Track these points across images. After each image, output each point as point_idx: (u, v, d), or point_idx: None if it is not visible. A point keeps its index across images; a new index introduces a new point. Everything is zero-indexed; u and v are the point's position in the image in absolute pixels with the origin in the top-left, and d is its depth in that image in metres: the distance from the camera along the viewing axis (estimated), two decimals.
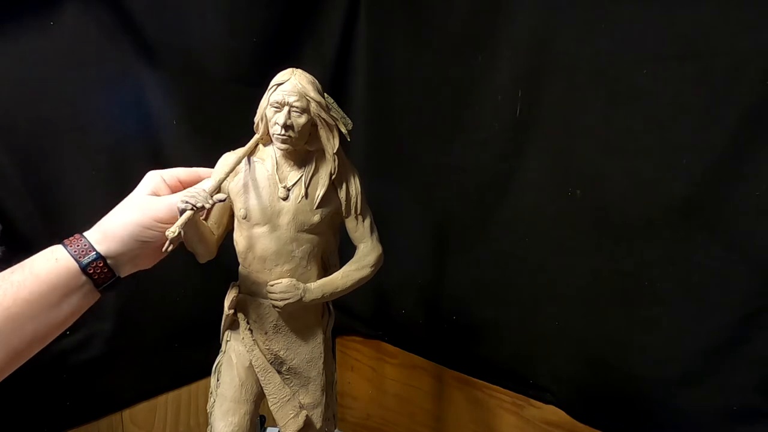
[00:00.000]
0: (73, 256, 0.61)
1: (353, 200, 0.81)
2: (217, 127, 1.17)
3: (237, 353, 0.83)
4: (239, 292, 0.82)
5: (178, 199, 0.64)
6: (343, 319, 1.51)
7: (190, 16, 1.17)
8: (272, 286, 0.76)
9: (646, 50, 0.94)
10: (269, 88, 0.73)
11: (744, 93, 0.86)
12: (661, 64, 0.93)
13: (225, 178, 0.72)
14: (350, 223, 0.82)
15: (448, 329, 1.34)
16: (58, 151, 1.05)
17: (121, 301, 1.16)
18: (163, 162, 1.19)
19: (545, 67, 1.06)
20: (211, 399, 0.85)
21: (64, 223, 1.04)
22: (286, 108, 0.71)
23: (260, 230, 0.76)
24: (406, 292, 1.42)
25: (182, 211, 0.64)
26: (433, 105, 1.27)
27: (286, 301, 0.76)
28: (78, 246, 0.62)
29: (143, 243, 0.65)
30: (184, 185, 0.74)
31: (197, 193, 0.64)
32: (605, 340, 1.07)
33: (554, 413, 1.19)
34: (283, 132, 0.71)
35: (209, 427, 0.85)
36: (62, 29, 1.01)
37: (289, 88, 0.71)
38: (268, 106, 0.72)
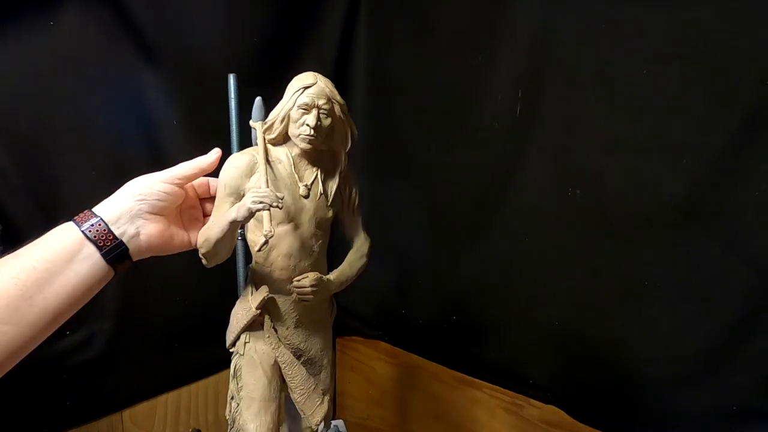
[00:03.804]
0: (75, 223, 0.62)
1: (354, 197, 0.84)
2: (217, 127, 1.17)
3: (260, 353, 0.83)
4: (268, 293, 0.82)
5: (248, 201, 0.67)
6: (343, 319, 1.51)
7: (190, 16, 1.17)
8: (299, 281, 0.78)
9: (646, 50, 0.94)
10: (295, 90, 0.74)
11: (744, 93, 0.86)
12: (661, 64, 0.93)
13: (271, 179, 0.74)
14: (347, 218, 0.85)
15: (448, 329, 1.34)
16: (58, 151, 1.05)
17: (121, 301, 1.16)
18: (163, 162, 1.18)
19: (545, 67, 1.06)
20: (233, 404, 0.84)
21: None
22: (315, 110, 0.73)
23: (284, 228, 0.78)
24: (406, 292, 1.42)
25: (252, 212, 0.67)
26: (433, 105, 1.27)
27: (317, 294, 0.79)
28: (83, 216, 0.63)
29: (142, 201, 0.66)
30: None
31: (266, 194, 0.67)
32: (605, 339, 1.07)
33: (554, 413, 1.19)
34: (312, 133, 0.73)
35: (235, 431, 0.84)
36: (62, 29, 1.01)
37: (318, 92, 0.74)
38: (295, 108, 0.74)
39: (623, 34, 0.96)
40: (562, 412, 1.17)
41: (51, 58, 1.01)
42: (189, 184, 0.76)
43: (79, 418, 1.17)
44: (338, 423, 0.90)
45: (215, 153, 0.74)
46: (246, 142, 1.02)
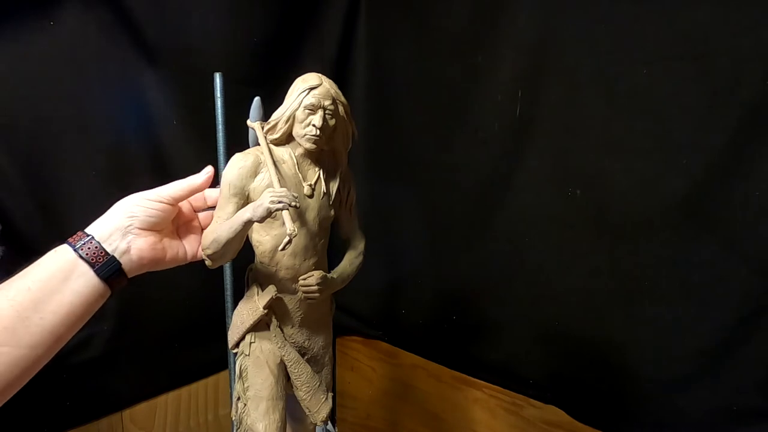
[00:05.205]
0: (69, 244, 0.64)
1: (351, 196, 0.85)
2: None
3: (266, 352, 0.83)
4: (276, 293, 0.82)
5: (266, 201, 0.67)
6: (343, 319, 1.51)
7: (190, 16, 1.17)
8: (305, 279, 0.79)
9: (646, 50, 0.94)
10: (301, 91, 0.75)
11: (744, 93, 0.86)
12: (661, 64, 0.93)
13: (279, 178, 0.75)
14: (344, 217, 0.86)
15: (448, 329, 1.34)
16: (58, 151, 1.05)
17: (121, 302, 1.16)
18: (162, 162, 1.19)
19: (545, 67, 1.06)
20: (240, 404, 0.85)
21: (64, 223, 1.04)
22: (321, 111, 0.74)
23: None
24: (406, 292, 1.42)
25: (272, 212, 0.68)
26: (433, 105, 1.27)
27: (323, 292, 0.79)
28: (76, 237, 0.65)
29: (133, 217, 0.67)
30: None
31: (284, 193, 0.68)
32: (605, 339, 1.07)
33: (554, 413, 1.19)
34: (318, 133, 0.74)
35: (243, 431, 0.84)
36: (62, 29, 1.01)
37: (323, 92, 0.75)
38: (301, 108, 0.74)
39: (623, 34, 0.96)
40: (562, 412, 1.17)
41: (51, 58, 1.01)
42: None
43: (79, 418, 1.17)
44: (330, 428, 0.91)
45: (206, 173, 0.74)
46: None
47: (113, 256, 0.64)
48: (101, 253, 0.63)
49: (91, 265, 0.63)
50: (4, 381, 0.56)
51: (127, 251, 0.66)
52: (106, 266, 0.64)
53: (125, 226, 0.66)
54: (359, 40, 1.37)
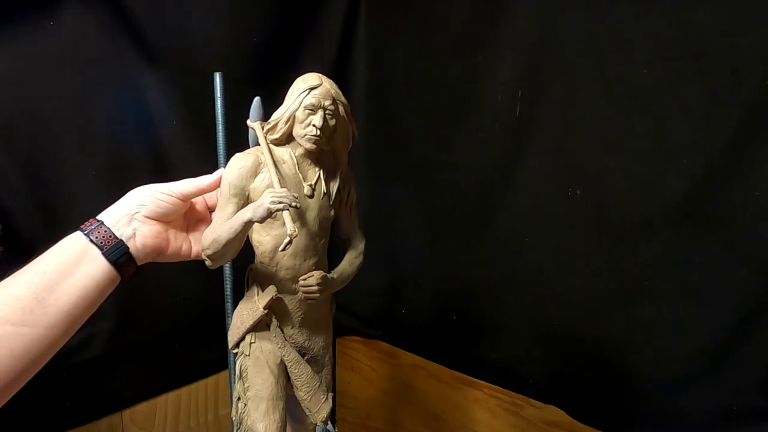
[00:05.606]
0: (80, 229, 0.67)
1: (351, 196, 0.85)
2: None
3: (266, 353, 0.84)
4: (276, 293, 0.82)
5: (266, 201, 0.68)
6: (343, 319, 1.51)
7: (190, 16, 1.17)
8: (305, 279, 0.79)
9: (646, 50, 0.94)
10: (301, 91, 0.75)
11: (744, 93, 0.86)
12: (661, 64, 0.93)
13: (279, 178, 0.75)
14: (344, 217, 0.86)
15: (448, 329, 1.34)
16: (58, 151, 1.05)
17: (121, 301, 1.16)
18: (162, 162, 1.19)
19: (545, 67, 1.07)
20: (240, 404, 0.85)
21: (64, 223, 1.03)
22: (321, 111, 0.75)
23: None
24: (406, 292, 1.42)
25: (272, 212, 0.68)
26: (433, 105, 1.27)
27: (323, 292, 0.79)
28: (88, 223, 0.68)
29: (141, 206, 0.69)
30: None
31: (285, 194, 0.68)
32: (605, 339, 1.08)
33: (554, 413, 1.19)
34: (318, 133, 0.74)
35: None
36: (62, 29, 1.01)
37: (324, 93, 0.75)
38: (301, 109, 0.75)
39: (623, 34, 0.96)
40: (562, 412, 1.17)
41: (51, 58, 1.01)
42: (200, 196, 0.78)
43: (79, 418, 1.17)
44: (330, 428, 0.91)
45: (216, 174, 0.75)
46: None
47: (121, 240, 0.67)
48: (110, 237, 0.66)
49: (101, 248, 0.65)
50: (24, 361, 0.59)
51: (132, 237, 0.68)
52: (114, 249, 0.66)
53: (133, 213, 0.69)
54: (359, 40, 1.37)
